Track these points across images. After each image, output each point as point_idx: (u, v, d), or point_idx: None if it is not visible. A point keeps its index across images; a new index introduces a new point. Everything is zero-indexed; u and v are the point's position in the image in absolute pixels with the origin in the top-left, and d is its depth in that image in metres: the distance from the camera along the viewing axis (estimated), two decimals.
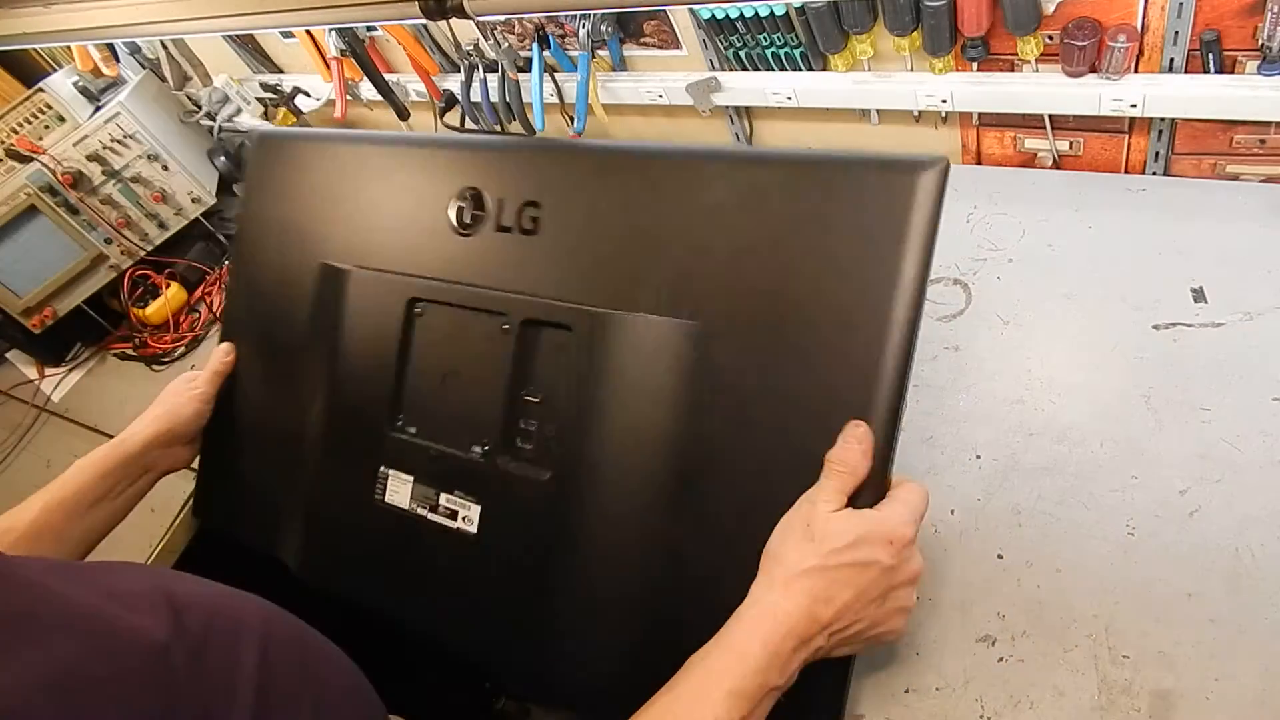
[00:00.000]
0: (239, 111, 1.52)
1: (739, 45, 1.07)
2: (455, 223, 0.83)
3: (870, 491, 0.60)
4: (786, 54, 1.04)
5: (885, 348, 0.60)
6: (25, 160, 1.30)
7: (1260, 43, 0.80)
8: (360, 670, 0.63)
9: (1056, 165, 1.04)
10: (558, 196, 0.77)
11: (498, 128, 1.38)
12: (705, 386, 0.66)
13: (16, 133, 1.37)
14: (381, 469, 0.84)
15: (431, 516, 0.79)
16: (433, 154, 0.87)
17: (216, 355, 0.99)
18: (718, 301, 0.66)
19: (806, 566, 0.58)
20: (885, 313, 0.60)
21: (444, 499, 0.79)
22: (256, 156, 1.02)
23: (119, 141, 1.35)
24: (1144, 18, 0.84)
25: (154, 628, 0.48)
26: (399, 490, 0.82)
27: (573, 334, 0.74)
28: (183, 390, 0.96)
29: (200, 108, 1.50)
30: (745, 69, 1.10)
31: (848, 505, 0.60)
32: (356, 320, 0.90)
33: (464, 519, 0.77)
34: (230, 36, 1.53)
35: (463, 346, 0.83)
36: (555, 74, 1.24)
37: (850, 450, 0.60)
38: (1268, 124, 0.86)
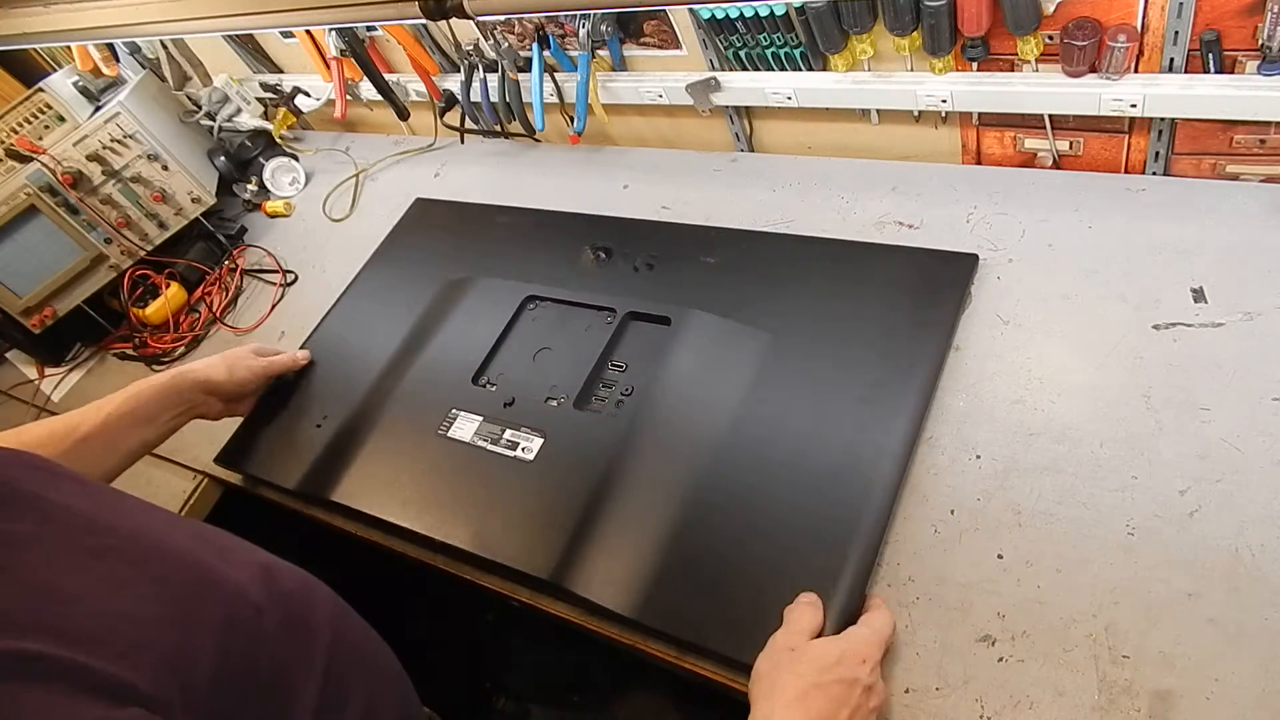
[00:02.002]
0: (239, 111, 1.52)
1: (739, 45, 1.07)
2: (580, 261, 1.07)
3: (843, 616, 0.69)
4: (786, 54, 1.04)
5: (907, 408, 0.80)
6: (25, 160, 1.30)
7: (1260, 43, 0.80)
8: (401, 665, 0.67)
9: (1056, 165, 1.04)
10: (674, 253, 1.04)
11: (498, 128, 1.38)
12: (762, 379, 0.88)
13: (16, 133, 1.37)
14: (452, 410, 0.97)
15: (491, 447, 0.93)
16: (568, 218, 1.17)
17: (295, 354, 1.09)
18: (789, 324, 0.91)
19: (805, 685, 0.62)
20: (911, 365, 0.83)
21: (508, 434, 0.93)
22: (410, 212, 1.30)
23: (119, 141, 1.35)
24: (1144, 18, 0.84)
25: (249, 586, 0.54)
26: (464, 427, 0.95)
27: (670, 327, 0.96)
28: (246, 357, 1.03)
29: (200, 108, 1.50)
30: (745, 69, 1.10)
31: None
32: (467, 313, 1.08)
33: (523, 449, 0.91)
34: (230, 36, 1.53)
35: (563, 331, 1.02)
36: (555, 74, 1.24)
37: (802, 608, 0.68)
38: (1268, 124, 0.86)
